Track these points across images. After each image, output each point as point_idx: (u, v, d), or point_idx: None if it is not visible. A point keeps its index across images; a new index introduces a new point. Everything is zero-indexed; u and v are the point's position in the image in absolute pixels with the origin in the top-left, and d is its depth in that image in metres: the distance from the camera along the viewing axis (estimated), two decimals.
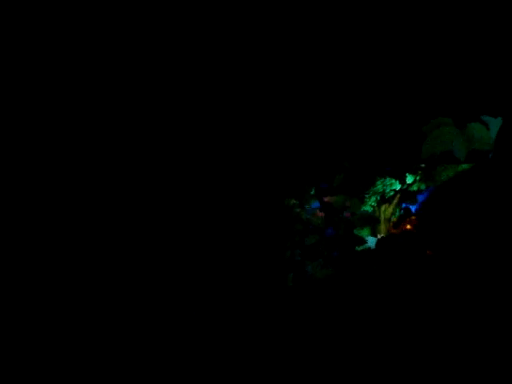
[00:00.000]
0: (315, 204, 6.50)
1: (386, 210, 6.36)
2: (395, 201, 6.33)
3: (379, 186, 6.26)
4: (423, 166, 5.98)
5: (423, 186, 6.17)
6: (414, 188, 6.20)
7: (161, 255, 4.23)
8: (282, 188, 6.33)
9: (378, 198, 6.28)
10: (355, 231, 6.45)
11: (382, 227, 6.33)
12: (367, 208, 6.29)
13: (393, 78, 5.18)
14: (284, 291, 6.26)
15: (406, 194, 6.27)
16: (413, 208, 6.24)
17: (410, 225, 5.86)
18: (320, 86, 5.61)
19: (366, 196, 6.30)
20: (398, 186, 6.21)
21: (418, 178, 6.18)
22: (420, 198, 6.20)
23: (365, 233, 6.49)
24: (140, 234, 3.90)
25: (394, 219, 6.32)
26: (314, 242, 6.44)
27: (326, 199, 6.40)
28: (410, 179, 6.20)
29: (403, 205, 6.37)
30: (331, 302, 6.01)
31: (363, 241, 6.15)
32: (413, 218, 5.83)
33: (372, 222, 5.99)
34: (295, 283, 6.29)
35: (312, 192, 6.45)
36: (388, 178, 6.24)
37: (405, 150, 5.94)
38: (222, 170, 5.39)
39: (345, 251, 6.19)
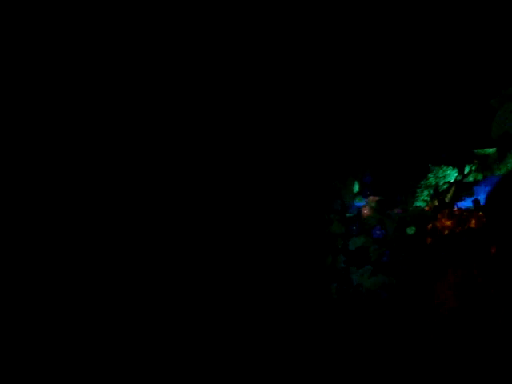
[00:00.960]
0: (359, 202, 5.74)
1: (439, 205, 5.68)
2: (449, 194, 5.67)
3: (431, 179, 5.60)
4: (486, 151, 5.37)
5: (480, 177, 5.55)
6: (470, 179, 5.57)
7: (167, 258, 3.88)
8: (319, 183, 5.50)
9: (432, 191, 5.59)
10: (408, 230, 5.77)
11: None
12: (420, 203, 5.59)
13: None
14: (326, 305, 5.38)
15: (461, 186, 5.63)
16: (469, 201, 5.60)
17: (476, 220, 5.19)
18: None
19: (418, 190, 5.61)
20: (452, 178, 5.55)
21: (474, 167, 5.55)
22: (476, 190, 5.57)
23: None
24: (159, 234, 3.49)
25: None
26: (359, 245, 5.64)
27: (371, 197, 5.64)
28: (465, 169, 5.56)
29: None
30: (382, 318, 5.18)
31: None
32: (479, 213, 5.16)
33: (427, 218, 5.28)
34: (339, 295, 5.44)
35: (355, 188, 5.68)
36: (441, 170, 5.58)
37: (464, 131, 5.31)
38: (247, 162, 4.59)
39: (397, 254, 5.43)
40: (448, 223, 5.41)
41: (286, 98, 4.42)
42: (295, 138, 4.93)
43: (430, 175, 5.59)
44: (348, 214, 5.71)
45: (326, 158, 5.33)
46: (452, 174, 5.56)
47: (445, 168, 5.48)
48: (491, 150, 5.27)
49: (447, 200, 5.64)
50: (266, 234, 4.92)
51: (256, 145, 4.67)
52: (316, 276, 5.45)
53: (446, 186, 5.57)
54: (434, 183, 5.58)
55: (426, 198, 5.58)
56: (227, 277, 4.56)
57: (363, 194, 5.67)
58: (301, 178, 5.03)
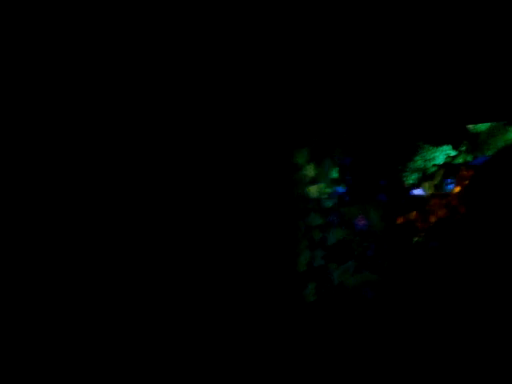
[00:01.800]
0: (339, 188, 4.98)
1: (429, 190, 5.05)
2: (438, 177, 5.06)
3: (419, 162, 4.97)
4: (478, 128, 4.81)
5: (470, 158, 4.99)
6: (460, 160, 4.99)
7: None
8: (290, 167, 4.70)
9: (420, 175, 4.96)
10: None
11: None
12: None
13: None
14: (303, 308, 4.55)
15: (450, 169, 5.04)
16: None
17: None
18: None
19: (405, 174, 4.95)
20: (441, 160, 4.94)
21: (463, 148, 4.98)
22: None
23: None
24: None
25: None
26: (340, 238, 4.89)
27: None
28: (453, 151, 4.98)
29: (448, 180, 5.15)
30: (368, 321, 4.44)
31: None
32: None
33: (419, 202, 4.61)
34: (319, 296, 4.64)
35: (334, 173, 4.93)
36: (429, 151, 4.96)
37: (454, 104, 4.72)
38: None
39: (384, 248, 4.73)
40: (439, 211, 4.80)
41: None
42: (260, 117, 4.09)
43: (417, 157, 4.97)
44: (326, 203, 4.95)
45: (297, 136, 4.53)
46: (441, 157, 4.96)
47: (433, 149, 4.89)
48: (484, 127, 4.73)
49: (436, 183, 5.04)
50: (232, 230, 4.04)
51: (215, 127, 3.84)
52: (290, 276, 4.59)
53: (434, 170, 4.97)
54: (422, 166, 4.97)
55: (413, 182, 4.96)
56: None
57: (342, 178, 4.93)
58: (268, 163, 4.21)
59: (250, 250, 4.07)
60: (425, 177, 5.02)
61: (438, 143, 4.93)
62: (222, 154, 3.77)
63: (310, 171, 4.90)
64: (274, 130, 4.10)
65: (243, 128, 3.82)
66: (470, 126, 4.72)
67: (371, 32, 3.61)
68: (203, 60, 3.34)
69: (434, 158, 4.95)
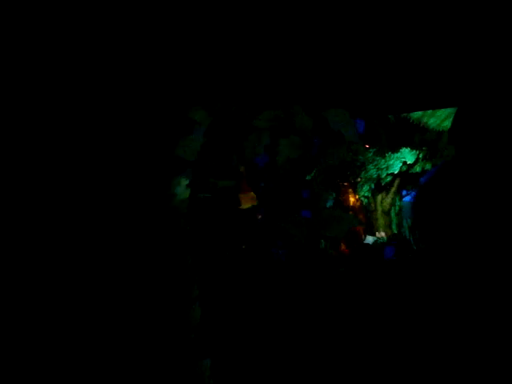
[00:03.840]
0: None
1: (384, 201, 4.98)
2: (394, 188, 4.94)
3: (372, 171, 4.82)
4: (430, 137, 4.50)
5: (429, 166, 4.75)
6: (417, 169, 4.78)
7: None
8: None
9: (372, 186, 4.86)
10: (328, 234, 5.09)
11: (381, 222, 4.99)
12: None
13: None
14: None
15: (406, 179, 4.87)
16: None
17: None
18: None
19: (358, 185, 4.88)
20: (396, 169, 4.77)
21: (421, 155, 4.73)
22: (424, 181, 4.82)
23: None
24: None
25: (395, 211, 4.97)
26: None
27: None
28: (410, 158, 4.75)
29: (403, 192, 5.00)
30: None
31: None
32: None
33: (347, 222, 4.43)
34: None
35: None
36: (383, 160, 4.77)
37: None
38: None
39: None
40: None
41: None
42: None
43: (370, 166, 4.81)
44: None
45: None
46: (396, 164, 4.77)
47: (388, 156, 4.66)
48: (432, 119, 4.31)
49: (391, 195, 4.93)
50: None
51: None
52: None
53: (389, 179, 4.83)
54: (375, 176, 4.83)
55: (366, 194, 4.88)
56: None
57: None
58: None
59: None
60: (379, 187, 4.89)
61: (393, 148, 4.68)
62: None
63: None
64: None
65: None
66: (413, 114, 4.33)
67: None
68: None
69: (388, 167, 4.76)
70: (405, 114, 4.11)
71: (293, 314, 4.15)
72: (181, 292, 3.19)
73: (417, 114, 4.08)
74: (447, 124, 4.13)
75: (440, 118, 4.20)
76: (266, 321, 4.00)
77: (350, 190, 4.85)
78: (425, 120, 4.25)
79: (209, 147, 3.39)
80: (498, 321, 3.18)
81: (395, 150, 4.73)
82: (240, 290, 4.00)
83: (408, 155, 4.72)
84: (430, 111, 4.04)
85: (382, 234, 4.95)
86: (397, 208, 4.97)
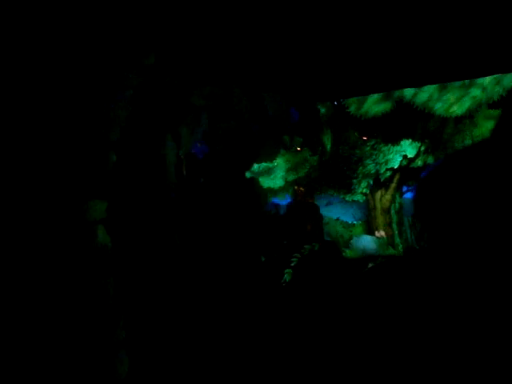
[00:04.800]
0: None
1: (383, 198, 4.63)
2: (393, 184, 4.58)
3: (370, 166, 4.46)
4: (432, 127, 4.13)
5: (431, 159, 4.40)
6: (419, 163, 4.43)
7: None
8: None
9: (371, 182, 4.50)
10: (339, 228, 4.75)
11: (380, 220, 4.65)
12: (357, 197, 4.54)
13: None
14: None
15: (407, 174, 4.52)
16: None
17: None
18: None
19: (354, 181, 4.52)
20: (396, 163, 4.41)
21: (422, 147, 4.38)
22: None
23: (357, 230, 4.85)
24: None
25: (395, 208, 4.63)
26: None
27: None
28: (411, 151, 4.39)
29: (404, 188, 4.66)
30: None
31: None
32: None
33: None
34: None
35: None
36: (381, 154, 4.41)
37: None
38: None
39: None
40: None
41: None
42: None
43: (368, 161, 4.45)
44: None
45: None
46: (396, 159, 4.40)
47: (382, 154, 4.30)
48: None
49: (390, 192, 4.58)
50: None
51: None
52: None
53: (388, 174, 4.47)
54: (373, 171, 4.47)
55: (364, 191, 4.52)
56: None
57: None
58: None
59: None
60: (378, 183, 4.53)
61: (392, 140, 4.31)
62: None
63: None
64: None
65: None
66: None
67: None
68: None
69: (387, 161, 4.41)
70: (408, 99, 3.68)
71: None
72: (97, 337, 2.33)
73: (422, 98, 3.66)
74: (455, 109, 3.72)
75: (448, 102, 3.74)
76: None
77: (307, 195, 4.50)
78: (430, 105, 3.80)
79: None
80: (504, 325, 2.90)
81: (395, 142, 4.37)
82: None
83: (409, 148, 4.36)
84: (436, 95, 3.63)
85: (382, 233, 4.61)
86: (397, 205, 4.62)
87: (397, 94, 3.72)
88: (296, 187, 4.64)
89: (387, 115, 3.91)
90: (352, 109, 3.91)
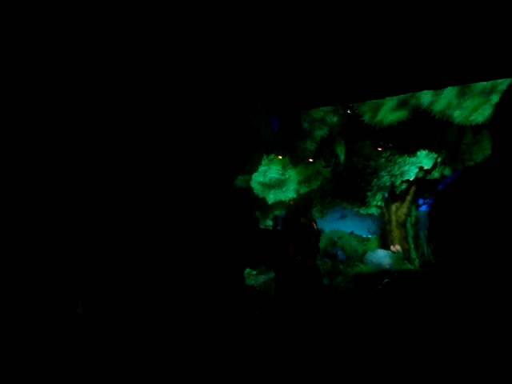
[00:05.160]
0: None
1: (399, 211, 4.48)
2: (409, 196, 4.44)
3: (385, 178, 4.32)
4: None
5: (448, 171, 4.26)
6: (436, 175, 4.28)
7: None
8: None
9: (386, 194, 4.36)
10: (353, 242, 4.58)
11: (395, 234, 4.49)
12: (372, 210, 4.40)
13: None
14: None
15: (423, 186, 4.37)
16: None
17: None
18: None
19: (369, 194, 4.38)
20: (412, 175, 4.27)
21: (439, 159, 4.24)
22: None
23: (372, 244, 4.69)
24: None
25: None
26: None
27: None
28: (427, 162, 4.25)
29: (420, 200, 4.51)
30: None
31: None
32: None
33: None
34: None
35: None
36: (397, 166, 4.28)
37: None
38: None
39: None
40: None
41: None
42: None
43: (383, 173, 4.32)
44: None
45: None
46: (412, 170, 4.27)
47: (402, 160, 4.16)
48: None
49: (406, 204, 4.43)
50: None
51: None
52: None
53: (404, 187, 4.33)
54: (388, 183, 4.33)
55: (379, 203, 4.38)
56: None
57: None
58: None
59: None
60: (393, 196, 4.39)
61: (408, 151, 4.18)
62: None
63: None
64: None
65: None
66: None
67: None
68: None
69: (403, 173, 4.27)
70: (425, 106, 3.56)
71: None
72: None
73: (440, 106, 3.54)
74: (475, 117, 3.58)
75: (467, 110, 3.61)
76: None
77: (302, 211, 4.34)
78: (449, 113, 3.66)
79: None
80: None
81: (410, 153, 4.24)
82: None
83: (425, 159, 4.23)
84: (455, 101, 3.50)
85: (398, 247, 4.45)
86: (413, 218, 4.47)
87: (413, 101, 3.61)
88: (291, 202, 4.45)
89: (403, 124, 3.80)
90: (366, 117, 3.80)
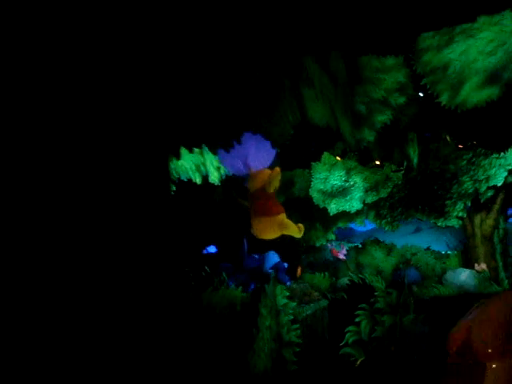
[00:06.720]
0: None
1: (484, 223, 3.84)
2: (497, 206, 3.80)
3: (467, 184, 3.70)
4: None
5: None
6: None
7: None
8: None
9: (468, 203, 3.72)
10: (430, 260, 3.93)
11: (480, 250, 3.84)
12: (451, 222, 3.76)
13: None
14: None
15: None
16: None
17: None
18: None
19: (448, 203, 3.75)
20: (500, 180, 3.63)
21: None
22: None
23: (452, 262, 4.04)
24: None
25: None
26: None
27: None
28: None
29: (509, 211, 3.86)
30: None
31: None
32: None
33: None
34: None
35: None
36: (481, 169, 3.66)
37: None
38: None
39: None
40: None
41: None
42: None
43: (464, 178, 3.70)
44: None
45: None
46: (499, 174, 3.64)
47: (487, 162, 3.52)
48: None
49: (493, 215, 3.79)
50: None
51: None
52: None
53: (490, 194, 3.70)
54: (471, 190, 3.71)
55: (460, 214, 3.74)
56: None
57: None
58: None
59: None
60: (476, 205, 3.76)
61: (496, 148, 3.54)
62: None
63: None
64: None
65: None
66: None
67: None
68: None
69: (489, 178, 3.65)
70: None
71: None
72: None
73: None
74: None
75: None
76: None
77: None
78: None
79: None
80: None
81: (498, 153, 3.63)
82: None
83: None
84: None
85: (483, 265, 3.80)
86: (501, 232, 3.82)
87: (507, 74, 2.97)
88: None
89: (490, 114, 3.19)
90: (444, 98, 3.17)
